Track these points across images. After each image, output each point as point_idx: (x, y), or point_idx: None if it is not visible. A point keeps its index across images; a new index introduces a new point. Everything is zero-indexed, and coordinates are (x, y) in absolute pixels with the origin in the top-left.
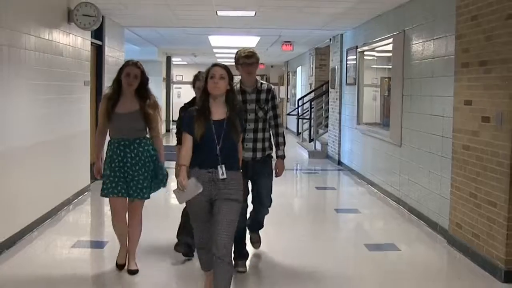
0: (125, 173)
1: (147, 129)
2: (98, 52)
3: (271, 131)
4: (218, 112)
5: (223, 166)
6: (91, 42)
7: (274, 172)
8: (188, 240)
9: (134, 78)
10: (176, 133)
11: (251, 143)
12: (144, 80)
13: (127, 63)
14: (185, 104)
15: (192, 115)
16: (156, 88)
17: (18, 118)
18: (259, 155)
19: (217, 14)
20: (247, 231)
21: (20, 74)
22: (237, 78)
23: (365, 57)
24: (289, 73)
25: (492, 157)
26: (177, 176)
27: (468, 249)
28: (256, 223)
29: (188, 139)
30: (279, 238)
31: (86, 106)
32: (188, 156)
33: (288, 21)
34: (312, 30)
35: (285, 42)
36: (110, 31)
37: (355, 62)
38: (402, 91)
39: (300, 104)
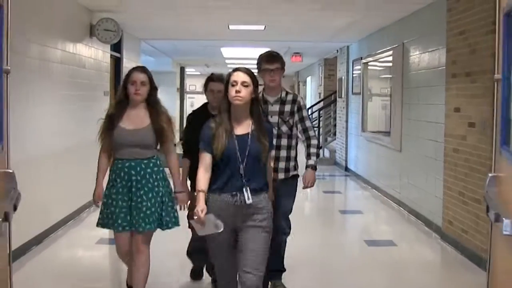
0: (129, 201)
1: (158, 147)
2: (116, 64)
3: (303, 144)
4: (241, 125)
5: (248, 189)
6: (111, 55)
7: (298, 187)
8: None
9: (141, 85)
10: (182, 144)
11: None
12: (153, 89)
13: (132, 69)
14: (193, 111)
15: (210, 129)
16: (171, 98)
17: (48, 126)
18: (281, 176)
19: (229, 28)
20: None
21: (49, 85)
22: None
23: (374, 67)
24: (300, 83)
25: (478, 158)
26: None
27: (458, 243)
28: (275, 258)
29: (206, 159)
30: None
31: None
32: (206, 179)
33: (296, 34)
34: (319, 42)
35: (295, 53)
36: (127, 44)
37: (360, 72)
38: (401, 99)
39: (310, 113)
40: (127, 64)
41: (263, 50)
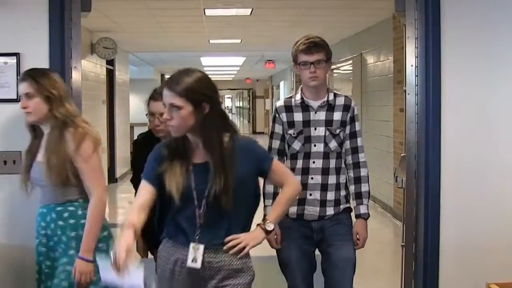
0: (44, 262)
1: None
2: (110, 75)
3: (347, 174)
4: (198, 151)
5: (199, 246)
6: (106, 68)
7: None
8: None
9: (26, 98)
10: (131, 180)
11: (318, 192)
12: (50, 100)
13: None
14: (137, 138)
15: (160, 155)
16: None
17: None
18: (330, 211)
19: (209, 42)
20: None
21: None
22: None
23: (340, 73)
24: (273, 87)
25: None
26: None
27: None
28: None
29: (146, 191)
30: None
31: (104, 122)
32: (140, 213)
33: (268, 45)
34: (290, 51)
35: (268, 60)
36: (118, 57)
37: None
38: (361, 102)
39: None
40: (119, 75)
41: (239, 58)
